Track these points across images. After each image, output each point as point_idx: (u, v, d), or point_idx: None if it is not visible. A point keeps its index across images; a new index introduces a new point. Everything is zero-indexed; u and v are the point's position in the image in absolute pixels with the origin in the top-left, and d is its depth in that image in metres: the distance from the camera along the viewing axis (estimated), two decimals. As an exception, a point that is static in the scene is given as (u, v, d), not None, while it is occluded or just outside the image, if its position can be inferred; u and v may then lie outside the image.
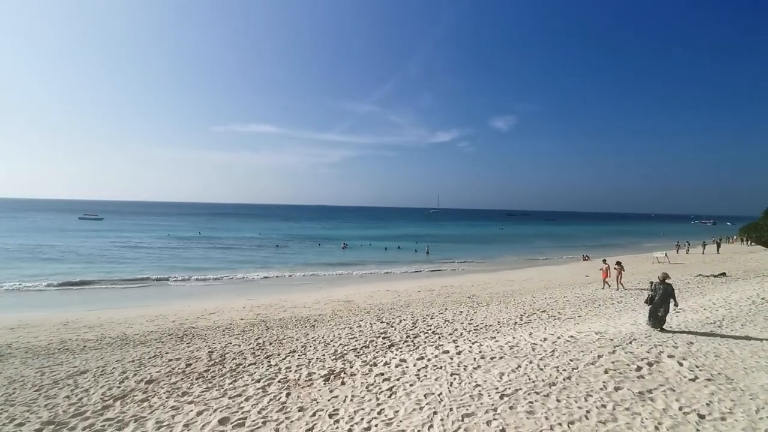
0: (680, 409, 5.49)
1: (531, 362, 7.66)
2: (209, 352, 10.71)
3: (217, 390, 7.72)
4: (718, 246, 44.22)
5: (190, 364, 9.61)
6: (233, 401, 7.03)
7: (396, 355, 9.35)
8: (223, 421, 6.20)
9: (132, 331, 13.72)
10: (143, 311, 17.75)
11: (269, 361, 9.61)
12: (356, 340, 11.40)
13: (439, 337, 11.53)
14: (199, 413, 6.59)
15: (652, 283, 10.68)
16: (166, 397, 7.48)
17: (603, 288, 20.36)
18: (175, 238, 60.07)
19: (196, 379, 8.50)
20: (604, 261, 21.73)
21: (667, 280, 10.17)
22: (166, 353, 10.77)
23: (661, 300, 9.86)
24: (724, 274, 22.90)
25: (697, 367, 6.96)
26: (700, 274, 23.20)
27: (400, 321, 13.99)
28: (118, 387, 8.22)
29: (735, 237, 61.85)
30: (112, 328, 14.40)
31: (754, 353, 7.66)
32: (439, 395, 6.43)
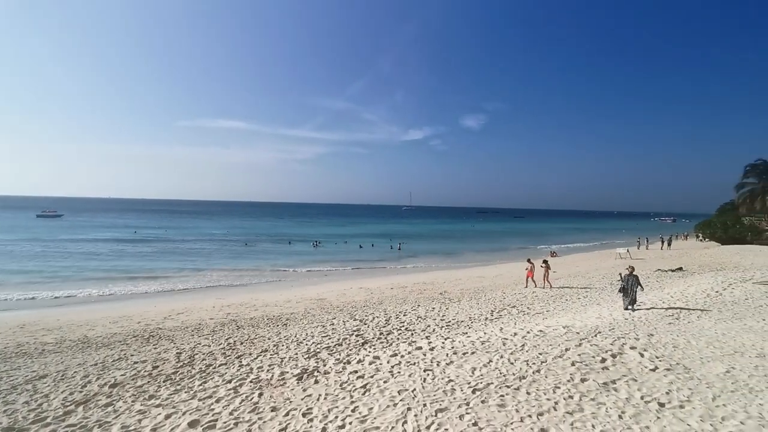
0: (642, 398, 5.74)
1: (502, 357, 7.83)
2: (177, 353, 10.42)
3: (186, 392, 7.53)
4: (669, 243, 45.75)
5: (157, 366, 9.32)
6: (203, 403, 6.87)
7: (369, 352, 9.36)
8: (193, 424, 6.05)
9: (94, 334, 13.18)
10: (106, 312, 17.07)
11: (240, 361, 9.44)
12: (329, 338, 11.35)
13: (412, 334, 11.63)
14: (168, 416, 6.41)
15: (621, 275, 13.26)
16: (132, 401, 7.23)
17: (527, 287, 20.20)
18: (138, 236, 58.04)
19: (164, 382, 8.26)
20: (529, 260, 21.50)
21: (633, 272, 12.68)
22: (132, 356, 10.41)
23: (632, 287, 12.38)
24: (681, 268, 24.05)
25: (657, 357, 7.29)
26: (659, 269, 24.29)
27: (373, 318, 14.01)
28: (80, 392, 7.88)
29: (686, 234, 65.20)
30: (72, 330, 13.78)
31: (709, 343, 8.09)
32: (412, 391, 6.48)
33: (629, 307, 12.42)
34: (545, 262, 20.93)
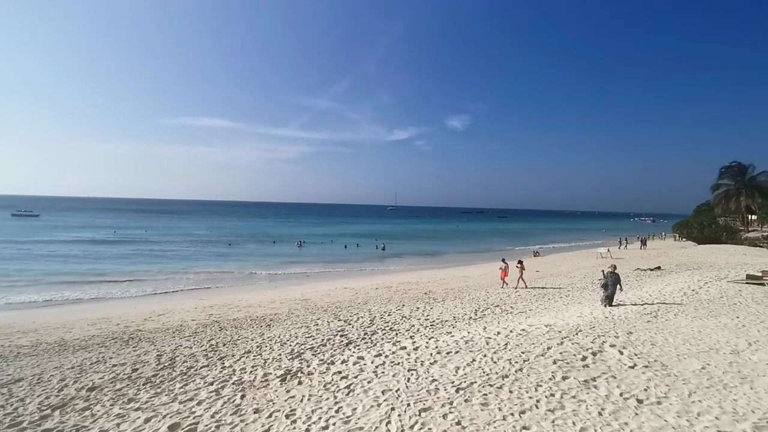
0: (621, 395, 5.84)
1: (485, 356, 7.90)
2: (158, 355, 10.25)
3: (166, 395, 7.40)
4: (644, 243, 46.24)
5: (137, 369, 9.15)
6: (184, 406, 6.75)
7: (354, 352, 9.35)
8: (173, 427, 5.95)
9: (71, 336, 12.87)
10: (84, 314, 16.68)
11: (223, 363, 9.32)
12: (313, 339, 11.29)
13: (397, 334, 11.64)
14: (147, 420, 6.29)
15: (603, 272, 13.64)
16: (110, 405, 7.08)
17: (502, 287, 20.15)
18: (117, 236, 56.82)
19: (144, 385, 8.10)
20: (503, 260, 21.37)
21: (615, 271, 13.11)
22: (110, 358, 10.19)
23: (613, 285, 12.75)
24: (659, 267, 24.62)
25: (635, 355, 7.44)
26: (638, 268, 24.82)
27: (358, 318, 13.99)
28: (57, 395, 7.69)
29: (664, 234, 66.84)
30: (48, 332, 13.43)
31: (686, 341, 8.29)
32: (396, 391, 6.49)
33: (607, 303, 12.76)
34: (520, 262, 20.92)
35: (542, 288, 19.79)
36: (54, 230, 61.87)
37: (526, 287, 19.91)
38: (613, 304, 12.74)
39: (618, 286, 12.88)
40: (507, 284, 20.41)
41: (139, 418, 6.40)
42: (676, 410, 5.35)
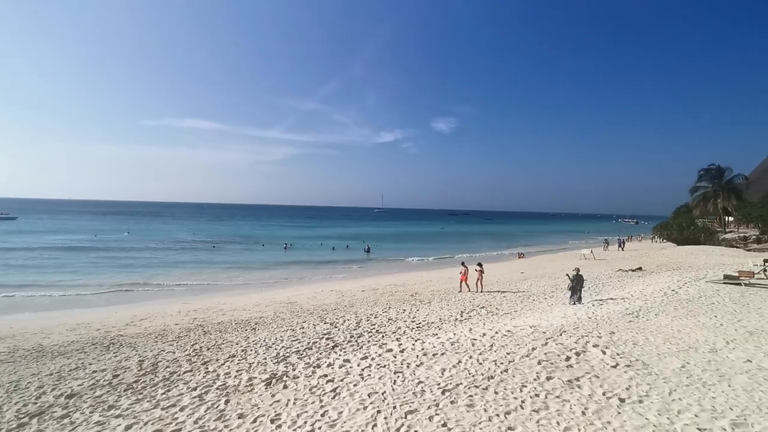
0: (604, 394, 5.93)
1: (471, 357, 7.94)
2: (139, 360, 10.05)
3: (148, 401, 7.26)
4: (621, 245, 46.45)
5: (118, 375, 8.96)
6: (166, 412, 6.64)
7: (340, 355, 9.31)
8: (155, 434, 5.85)
9: (50, 342, 12.54)
10: (63, 320, 16.26)
11: (207, 368, 9.19)
12: (299, 342, 11.21)
13: (383, 336, 11.63)
14: (128, 427, 6.17)
15: (568, 275, 15.05)
16: (90, 412, 6.92)
17: (461, 291, 20.03)
18: (98, 239, 55.56)
19: (125, 391, 7.94)
20: (463, 264, 21.09)
21: (579, 273, 14.64)
22: (90, 364, 9.96)
23: (579, 285, 14.38)
24: (640, 268, 25.10)
25: (618, 354, 7.56)
26: (620, 269, 25.25)
27: (344, 321, 13.94)
28: (35, 403, 7.50)
29: (642, 236, 68.11)
30: (26, 338, 13.06)
31: (666, 340, 8.46)
32: (382, 394, 6.48)
33: (575, 301, 14.22)
34: (480, 265, 20.82)
35: (527, 289, 19.99)
36: (32, 234, 60.19)
37: (482, 291, 19.76)
38: (583, 302, 14.20)
39: (581, 286, 14.56)
40: (468, 288, 20.19)
41: (119, 425, 6.28)
42: (657, 408, 5.45)
